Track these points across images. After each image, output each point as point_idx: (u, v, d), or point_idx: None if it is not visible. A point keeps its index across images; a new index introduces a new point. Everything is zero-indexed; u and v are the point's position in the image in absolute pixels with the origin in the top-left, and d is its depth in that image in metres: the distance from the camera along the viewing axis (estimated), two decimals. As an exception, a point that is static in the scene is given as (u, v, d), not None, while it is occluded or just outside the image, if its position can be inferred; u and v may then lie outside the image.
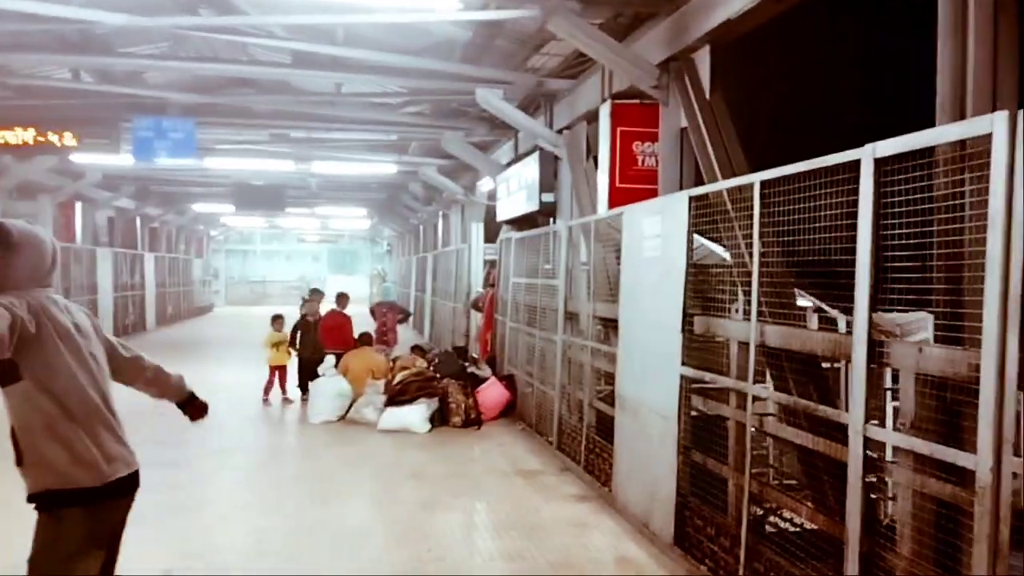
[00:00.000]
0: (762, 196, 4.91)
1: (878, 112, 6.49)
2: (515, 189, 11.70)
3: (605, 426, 8.01)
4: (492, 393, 11.36)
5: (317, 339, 12.40)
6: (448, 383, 11.01)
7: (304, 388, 12.14)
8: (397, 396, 10.56)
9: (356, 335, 12.48)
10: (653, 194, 7.87)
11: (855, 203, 4.04)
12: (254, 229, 45.25)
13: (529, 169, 10.62)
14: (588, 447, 8.12)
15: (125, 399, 3.56)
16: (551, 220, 11.14)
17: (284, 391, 12.62)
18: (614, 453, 7.24)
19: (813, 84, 6.61)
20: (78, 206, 21.26)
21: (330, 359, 11.59)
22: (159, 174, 19.82)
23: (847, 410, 4.14)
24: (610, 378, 8.52)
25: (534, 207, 10.32)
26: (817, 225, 4.76)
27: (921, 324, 4.81)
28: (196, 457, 8.95)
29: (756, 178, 4.96)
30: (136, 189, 22.78)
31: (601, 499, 7.44)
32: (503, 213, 12.56)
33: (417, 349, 13.45)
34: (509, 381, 11.48)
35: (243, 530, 6.64)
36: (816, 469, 4.93)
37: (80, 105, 12.24)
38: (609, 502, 7.24)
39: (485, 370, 12.50)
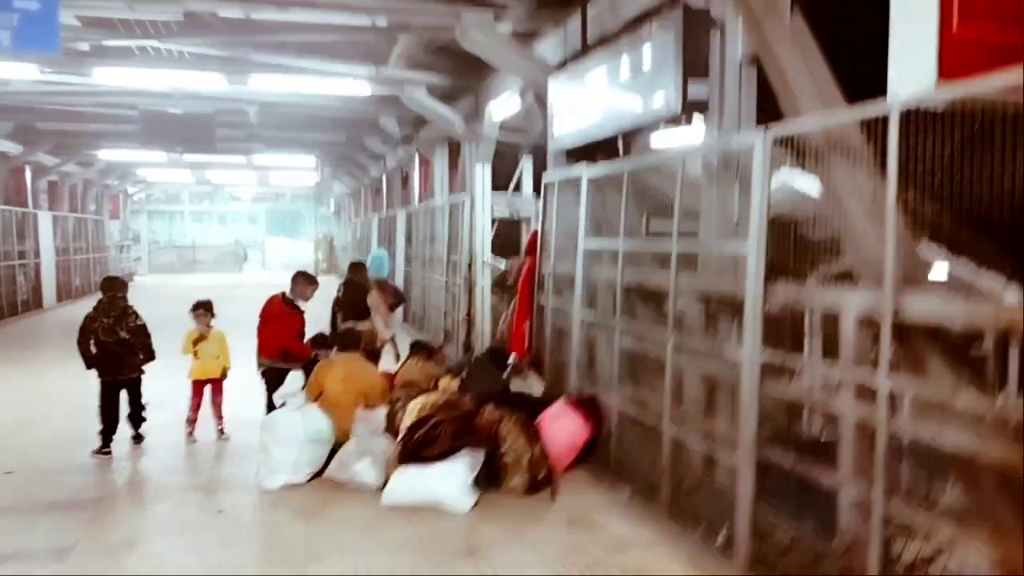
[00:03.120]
0: None
1: None
2: (600, 90, 7.12)
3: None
4: (563, 429, 6.87)
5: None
6: (501, 419, 6.49)
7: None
8: (421, 447, 6.01)
9: (337, 332, 7.90)
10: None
11: None
12: (180, 186, 39.61)
13: (647, 49, 6.05)
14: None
15: None
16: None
17: (219, 418, 7.99)
18: None
19: None
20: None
21: (294, 381, 6.94)
22: (40, 99, 14.62)
23: None
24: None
25: (666, 110, 5.76)
26: None
27: None
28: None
29: None
30: (15, 127, 17.43)
31: None
32: (568, 136, 7.99)
33: (422, 349, 8.85)
34: (590, 409, 7.01)
35: None
36: None
37: None
38: None
39: (534, 384, 8.04)
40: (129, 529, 5.61)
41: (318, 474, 6.62)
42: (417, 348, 8.93)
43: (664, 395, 5.73)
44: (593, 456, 6.97)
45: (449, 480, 5.95)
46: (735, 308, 5.29)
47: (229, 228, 44.50)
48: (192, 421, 7.91)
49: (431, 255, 15.27)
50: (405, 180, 20.11)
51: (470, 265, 12.49)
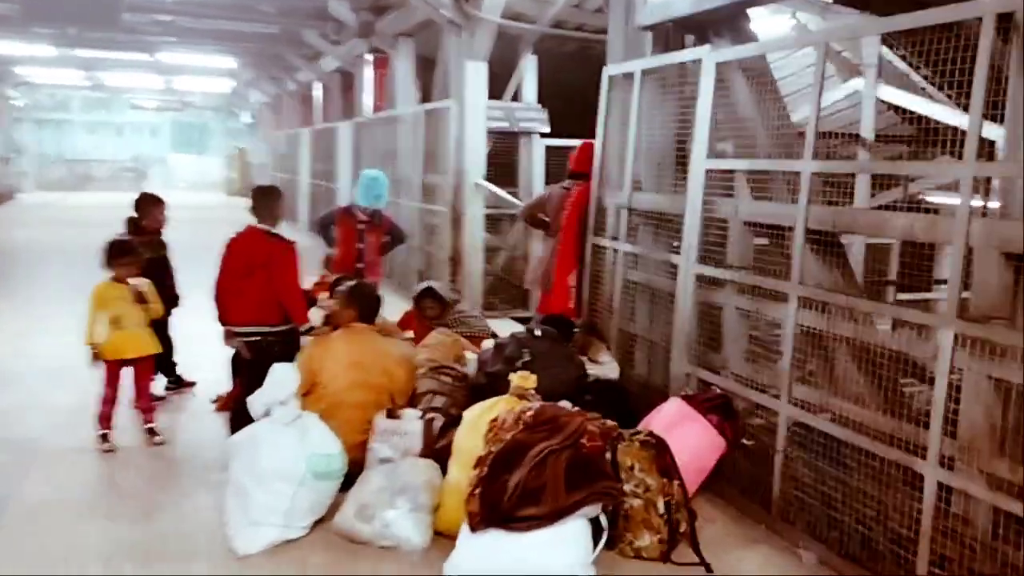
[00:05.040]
0: None
1: None
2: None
3: None
4: (687, 444, 4.52)
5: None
6: (612, 437, 4.11)
7: None
8: (520, 505, 3.59)
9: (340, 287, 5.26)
10: None
11: None
12: (71, 91, 34.93)
13: None
14: None
15: None
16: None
17: (148, 412, 5.41)
18: None
19: None
20: None
21: (283, 372, 4.29)
22: None
23: None
24: None
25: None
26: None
27: None
28: None
29: None
30: None
31: None
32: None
33: (431, 299, 6.38)
34: (724, 414, 4.71)
35: None
36: None
37: None
38: None
39: (608, 364, 5.70)
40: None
41: (319, 521, 4.20)
42: (429, 297, 6.43)
43: (933, 414, 3.46)
44: (718, 477, 4.75)
45: (560, 550, 3.60)
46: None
47: (128, 141, 39.87)
48: (106, 419, 5.29)
49: (393, 176, 12.54)
50: (347, 85, 17.14)
51: (456, 189, 9.93)
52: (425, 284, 6.66)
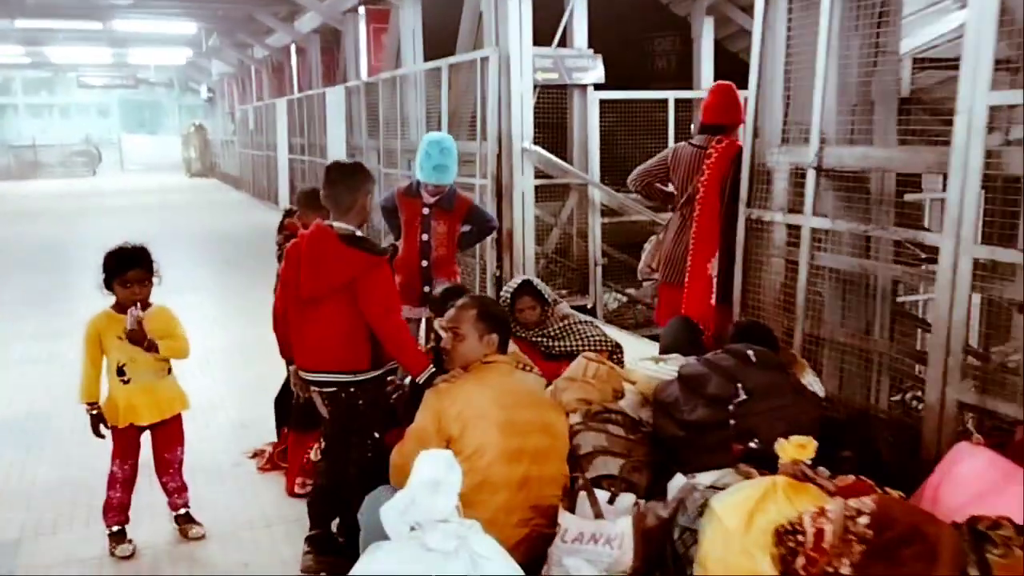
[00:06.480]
0: None
1: None
2: None
3: None
4: (1017, 512, 3.02)
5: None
6: (975, 544, 2.57)
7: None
8: None
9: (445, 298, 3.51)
10: None
11: None
12: (11, 71, 32.25)
13: None
14: None
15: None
16: None
17: (179, 493, 3.72)
18: None
19: None
20: None
21: (438, 465, 2.63)
22: None
23: None
24: None
25: None
26: None
27: None
28: None
29: None
30: None
31: None
32: None
33: (530, 297, 4.64)
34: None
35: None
36: None
37: None
38: None
39: (814, 386, 4.11)
40: None
41: None
42: (523, 294, 4.70)
43: None
44: None
45: None
46: None
47: (75, 123, 37.38)
48: (119, 510, 3.60)
49: (400, 146, 10.82)
50: (328, 48, 15.30)
51: (499, 156, 8.26)
52: (521, 278, 4.98)
